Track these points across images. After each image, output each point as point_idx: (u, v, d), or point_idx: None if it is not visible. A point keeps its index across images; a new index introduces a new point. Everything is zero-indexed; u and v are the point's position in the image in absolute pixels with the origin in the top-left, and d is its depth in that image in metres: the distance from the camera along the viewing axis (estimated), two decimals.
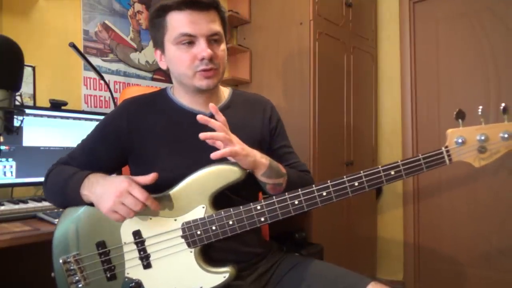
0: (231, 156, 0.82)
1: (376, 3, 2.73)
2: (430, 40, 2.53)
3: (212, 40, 0.93)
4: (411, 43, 2.59)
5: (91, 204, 0.87)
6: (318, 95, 2.10)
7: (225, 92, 1.08)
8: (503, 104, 0.80)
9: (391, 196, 2.68)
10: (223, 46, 0.96)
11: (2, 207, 1.16)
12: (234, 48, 2.37)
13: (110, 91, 1.75)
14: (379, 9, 2.74)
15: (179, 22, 0.90)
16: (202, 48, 0.90)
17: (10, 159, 1.35)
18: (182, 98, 1.01)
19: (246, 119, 1.03)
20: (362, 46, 2.53)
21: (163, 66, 1.00)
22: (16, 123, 0.87)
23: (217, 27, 0.93)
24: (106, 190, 0.81)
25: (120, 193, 0.79)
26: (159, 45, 0.97)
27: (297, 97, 2.14)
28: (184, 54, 0.92)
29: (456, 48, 2.43)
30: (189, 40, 0.91)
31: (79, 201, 0.87)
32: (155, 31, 0.96)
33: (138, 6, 2.06)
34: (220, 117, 0.85)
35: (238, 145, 0.83)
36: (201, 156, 0.92)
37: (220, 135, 0.81)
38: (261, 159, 0.87)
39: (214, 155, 0.80)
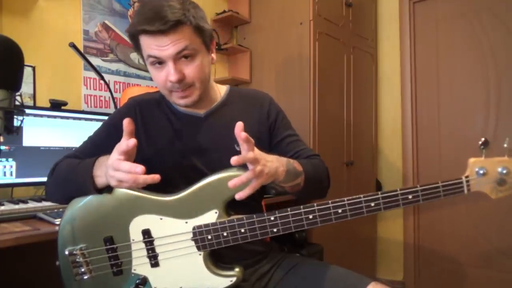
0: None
1: (376, 3, 2.73)
2: (430, 40, 2.53)
3: (182, 57, 0.89)
4: (411, 43, 2.59)
5: (100, 191, 0.86)
6: (318, 95, 2.10)
7: (222, 90, 1.08)
8: None
9: None
10: (197, 61, 0.91)
11: (2, 207, 1.15)
12: (234, 48, 2.37)
13: (110, 91, 1.75)
14: (379, 9, 2.74)
15: (146, 45, 0.89)
16: (169, 72, 0.89)
17: (10, 159, 1.35)
18: None
19: (242, 117, 0.99)
20: (362, 46, 2.53)
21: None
22: (16, 123, 0.87)
23: (184, 43, 0.88)
24: (106, 167, 0.81)
25: (112, 162, 0.78)
26: (142, 59, 0.97)
27: (297, 97, 2.14)
28: (157, 75, 0.92)
29: (456, 48, 2.43)
30: (159, 61, 0.90)
31: (88, 186, 0.85)
32: (135, 48, 0.95)
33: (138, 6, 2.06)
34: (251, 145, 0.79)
35: (264, 178, 0.79)
36: (196, 157, 0.96)
37: (250, 157, 0.76)
38: (279, 169, 0.84)
39: (239, 196, 0.78)
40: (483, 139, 0.81)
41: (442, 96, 2.48)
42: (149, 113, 1.02)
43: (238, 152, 0.80)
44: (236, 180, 0.76)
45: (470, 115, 2.33)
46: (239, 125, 0.76)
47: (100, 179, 0.85)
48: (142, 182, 0.77)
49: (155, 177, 0.78)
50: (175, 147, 0.99)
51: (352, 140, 2.40)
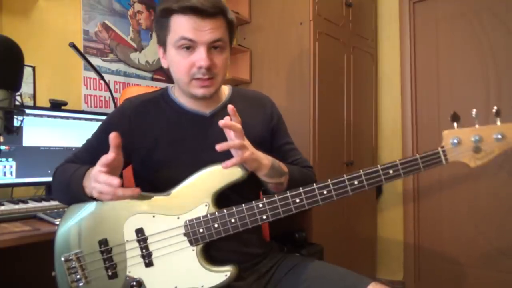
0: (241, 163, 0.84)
1: (376, 3, 2.73)
2: (430, 40, 2.53)
3: (213, 47, 0.91)
4: (411, 43, 2.59)
5: (95, 198, 0.87)
6: (318, 95, 2.10)
7: (225, 90, 1.08)
8: (495, 107, 0.83)
9: (391, 196, 2.68)
10: (225, 54, 0.94)
11: (2, 207, 1.15)
12: (234, 48, 2.37)
13: (110, 91, 1.75)
14: (379, 9, 2.74)
15: (181, 26, 0.89)
16: (200, 57, 0.89)
17: (10, 159, 1.35)
18: (182, 98, 1.02)
19: (246, 118, 1.01)
20: (362, 46, 2.53)
21: (164, 64, 1.00)
22: (16, 123, 0.86)
23: (220, 33, 0.91)
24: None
25: (94, 174, 0.80)
26: (162, 44, 0.97)
27: (297, 97, 2.14)
28: (182, 59, 0.91)
29: (456, 48, 2.43)
30: (189, 45, 0.89)
31: (82, 195, 0.87)
32: (159, 30, 0.95)
33: (138, 6, 2.06)
34: (237, 119, 0.84)
35: (248, 152, 0.83)
36: (201, 156, 0.94)
37: (236, 144, 0.81)
38: (264, 160, 0.88)
39: (225, 165, 0.81)
40: (452, 112, 0.85)
41: (442, 96, 2.48)
42: (145, 112, 1.01)
43: None
44: (227, 162, 0.80)
45: (470, 115, 2.32)
46: (227, 119, 0.81)
47: (88, 189, 0.86)
48: (121, 195, 0.78)
49: (135, 191, 0.79)
50: (174, 145, 0.98)
51: (352, 140, 2.40)
